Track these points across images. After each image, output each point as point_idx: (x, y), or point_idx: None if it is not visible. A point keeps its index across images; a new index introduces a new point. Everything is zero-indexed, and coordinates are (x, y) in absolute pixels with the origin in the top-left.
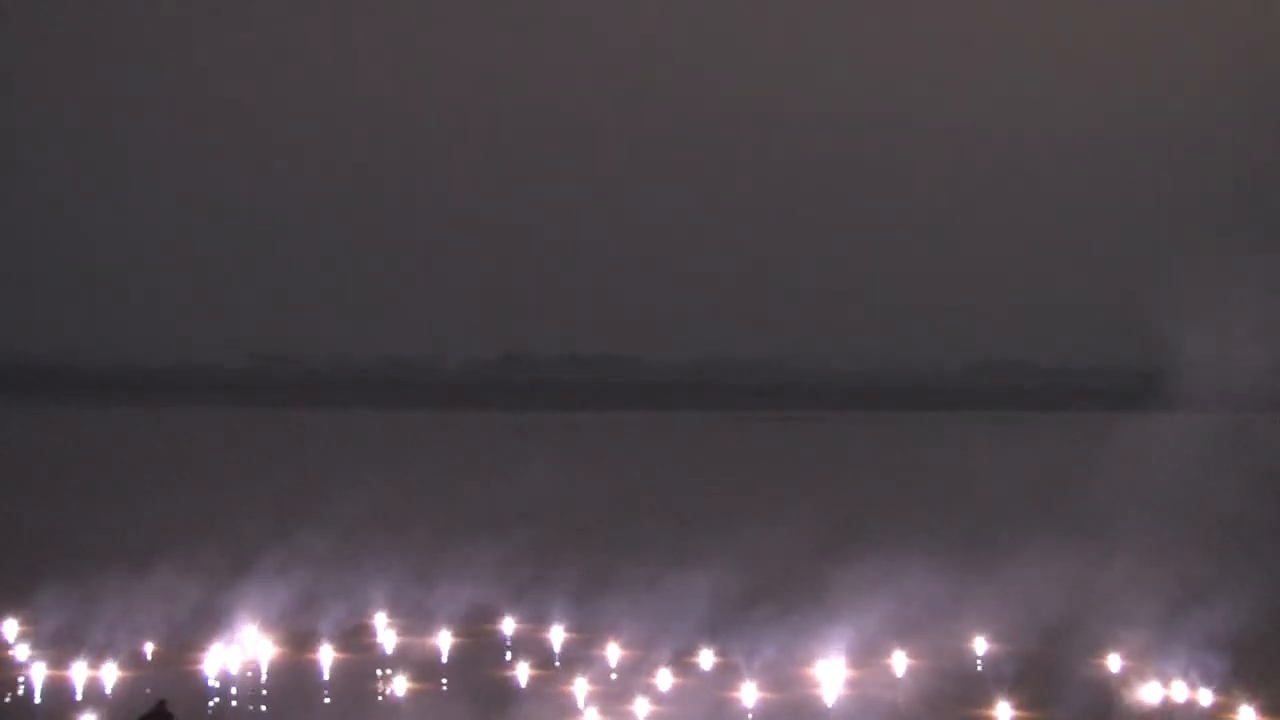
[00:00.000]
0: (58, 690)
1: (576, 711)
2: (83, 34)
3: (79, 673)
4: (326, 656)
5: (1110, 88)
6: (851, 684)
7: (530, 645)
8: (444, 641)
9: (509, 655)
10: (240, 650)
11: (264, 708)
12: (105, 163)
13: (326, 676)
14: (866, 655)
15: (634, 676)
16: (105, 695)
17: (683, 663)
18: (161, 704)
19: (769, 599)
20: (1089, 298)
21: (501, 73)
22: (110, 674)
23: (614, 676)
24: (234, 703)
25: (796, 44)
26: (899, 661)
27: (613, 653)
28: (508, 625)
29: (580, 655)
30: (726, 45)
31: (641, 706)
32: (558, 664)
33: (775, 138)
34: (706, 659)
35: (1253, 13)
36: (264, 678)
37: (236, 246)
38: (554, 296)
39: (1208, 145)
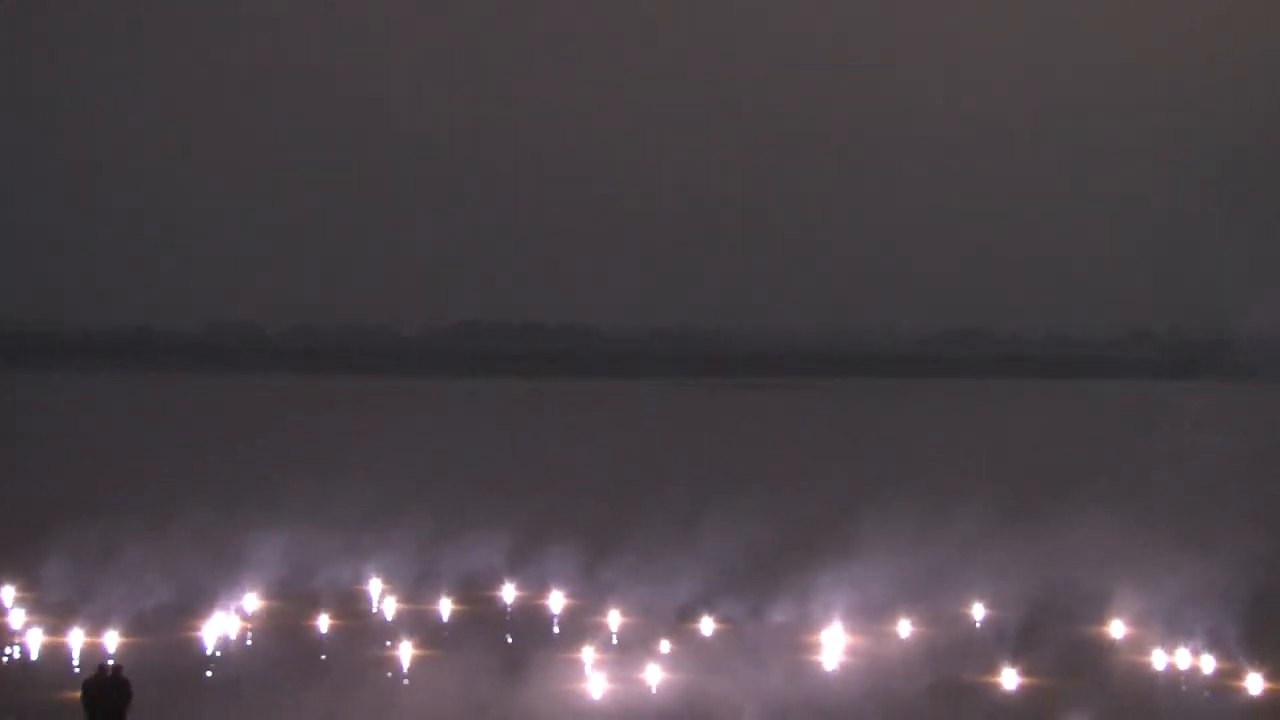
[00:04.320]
0: (51, 657)
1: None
2: (36, 5)
3: (75, 639)
4: (323, 623)
5: (1081, 48)
6: (852, 650)
7: (523, 614)
8: (437, 608)
9: (504, 623)
10: (231, 618)
11: (256, 675)
12: (61, 124)
13: (323, 644)
14: (864, 621)
15: (632, 643)
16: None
17: (682, 629)
18: (116, 670)
19: (751, 567)
20: (1047, 266)
21: (458, 39)
22: (112, 640)
23: (615, 642)
24: (212, 672)
25: (762, 10)
26: (897, 627)
27: (613, 620)
28: (486, 591)
29: (576, 624)
30: (690, 9)
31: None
32: (541, 630)
33: (734, 104)
34: (706, 626)
35: None
36: (256, 645)
37: (193, 213)
38: (512, 264)
39: (1184, 113)
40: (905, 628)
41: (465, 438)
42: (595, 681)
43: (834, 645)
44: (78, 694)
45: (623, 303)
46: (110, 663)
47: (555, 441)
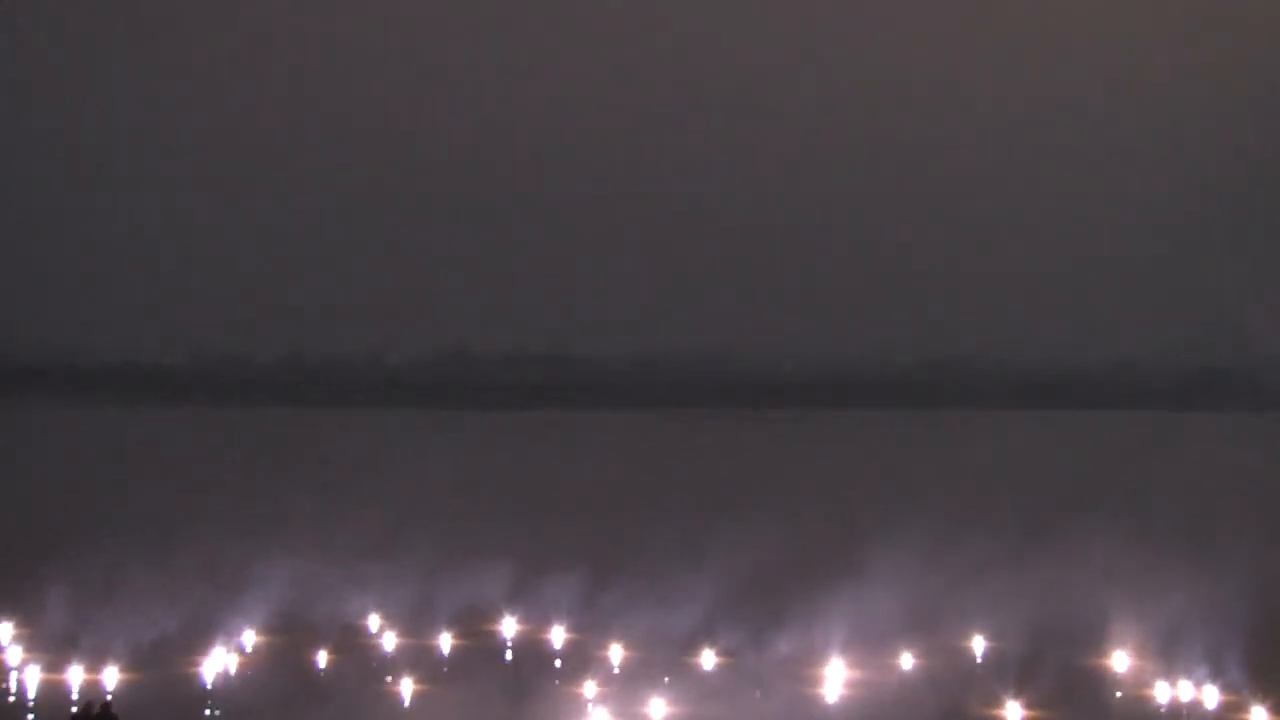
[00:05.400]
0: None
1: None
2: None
3: (75, 675)
4: (323, 657)
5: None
6: (852, 683)
7: (521, 646)
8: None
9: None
10: (228, 652)
11: (253, 709)
12: (45, 156)
13: (323, 677)
14: (864, 651)
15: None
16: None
17: (679, 661)
18: (105, 706)
19: (747, 597)
20: (1043, 295)
21: (444, 68)
22: (111, 677)
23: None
24: (211, 707)
25: (759, 39)
26: (898, 660)
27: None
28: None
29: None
30: (680, 40)
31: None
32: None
33: (727, 134)
34: (707, 659)
35: None
36: (255, 678)
37: (179, 243)
38: (500, 294)
39: (1182, 137)
40: (907, 659)
41: (457, 469)
42: (598, 715)
43: (834, 676)
44: None
45: (613, 333)
46: (108, 697)
47: (546, 472)
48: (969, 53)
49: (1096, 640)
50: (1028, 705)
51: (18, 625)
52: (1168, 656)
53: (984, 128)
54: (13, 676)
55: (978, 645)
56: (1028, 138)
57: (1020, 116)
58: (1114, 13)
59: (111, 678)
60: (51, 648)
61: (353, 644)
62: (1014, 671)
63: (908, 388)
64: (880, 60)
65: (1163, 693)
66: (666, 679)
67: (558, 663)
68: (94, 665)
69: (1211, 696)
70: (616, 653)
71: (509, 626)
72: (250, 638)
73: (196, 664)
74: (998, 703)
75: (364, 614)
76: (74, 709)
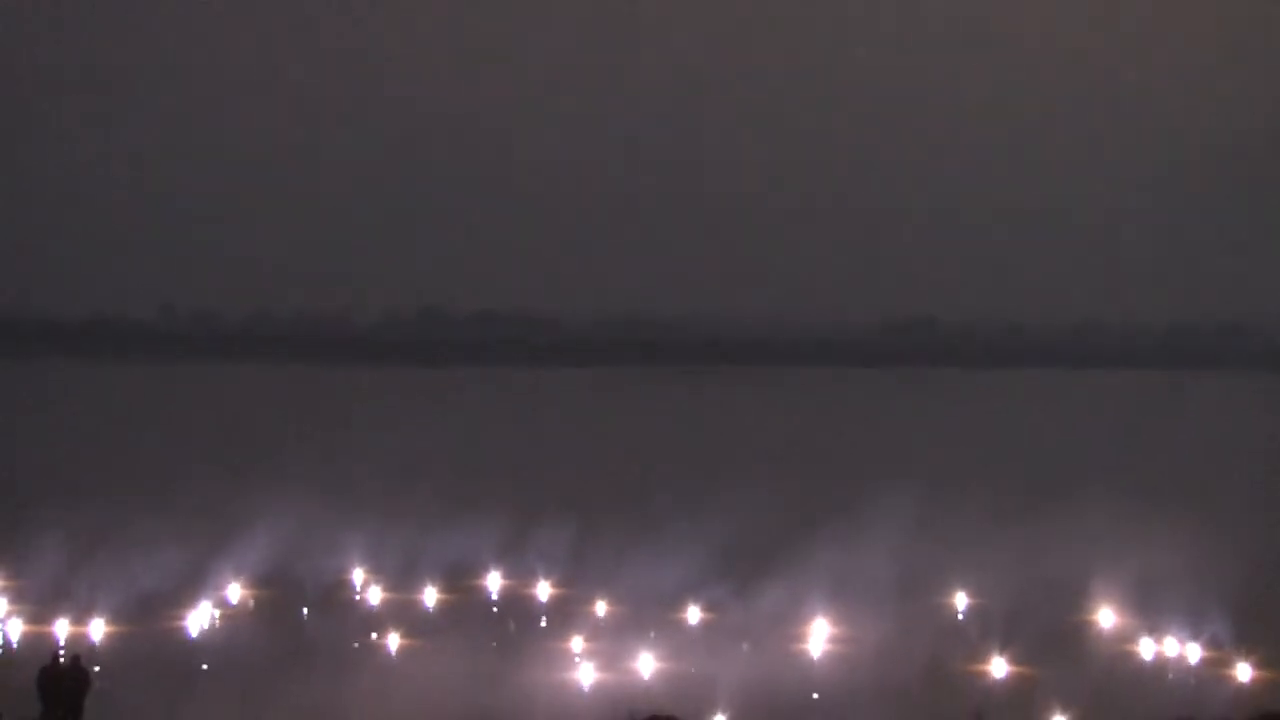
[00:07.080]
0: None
1: None
2: None
3: (60, 628)
4: (309, 613)
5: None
6: (836, 639)
7: (503, 603)
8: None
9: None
10: (213, 607)
11: (241, 662)
12: (4, 106)
13: (307, 631)
14: (849, 609)
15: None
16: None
17: (665, 617)
18: (74, 659)
19: (728, 553)
20: (1001, 255)
21: (420, 25)
22: (98, 630)
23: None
24: (193, 663)
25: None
26: (883, 615)
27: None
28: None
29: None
30: (637, 12)
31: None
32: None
33: (693, 92)
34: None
35: None
36: (240, 632)
37: (149, 196)
38: (470, 251)
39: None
40: (892, 615)
41: (437, 425)
42: (584, 669)
43: (819, 632)
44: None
45: (580, 291)
46: (63, 652)
47: (526, 428)
48: (934, 23)
49: (1081, 597)
50: (1012, 660)
51: (2, 578)
52: (1153, 613)
53: (951, 89)
54: None
55: (961, 602)
56: (996, 98)
57: (987, 77)
58: None
59: (97, 630)
60: (36, 600)
61: (337, 599)
62: (998, 627)
63: (888, 346)
64: (840, 25)
65: (1147, 648)
66: (653, 634)
67: (544, 618)
68: (79, 618)
69: (1194, 653)
70: (602, 608)
71: (494, 582)
72: (235, 592)
73: (181, 618)
74: (983, 658)
75: (348, 569)
76: (46, 662)
